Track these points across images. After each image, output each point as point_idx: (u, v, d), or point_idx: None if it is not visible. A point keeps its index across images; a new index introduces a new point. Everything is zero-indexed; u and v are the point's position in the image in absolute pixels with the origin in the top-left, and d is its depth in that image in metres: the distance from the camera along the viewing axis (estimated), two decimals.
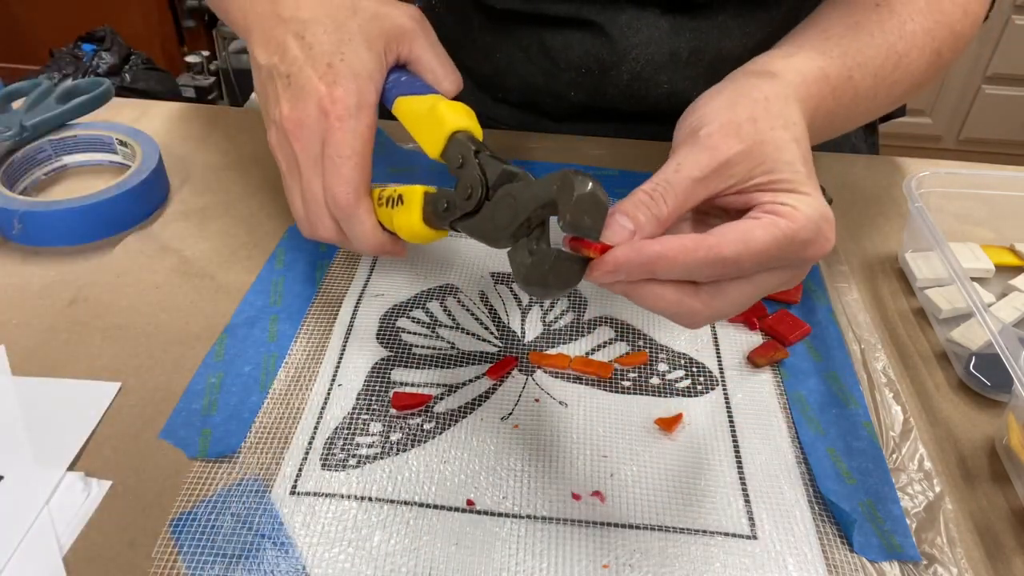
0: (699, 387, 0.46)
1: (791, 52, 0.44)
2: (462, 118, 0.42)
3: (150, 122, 0.68)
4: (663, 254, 0.33)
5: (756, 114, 0.38)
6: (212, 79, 2.25)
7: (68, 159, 0.61)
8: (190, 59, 2.24)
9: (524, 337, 0.48)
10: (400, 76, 0.47)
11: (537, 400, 0.44)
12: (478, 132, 0.42)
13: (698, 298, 0.35)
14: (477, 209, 0.39)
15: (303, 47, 0.44)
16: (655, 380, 0.46)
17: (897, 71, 0.47)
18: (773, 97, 0.39)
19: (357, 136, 0.42)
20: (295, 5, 0.46)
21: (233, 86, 2.23)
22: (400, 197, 0.42)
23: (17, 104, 0.61)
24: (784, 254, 0.35)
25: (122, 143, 0.61)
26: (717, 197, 0.38)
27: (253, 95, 1.49)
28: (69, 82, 0.63)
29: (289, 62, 0.44)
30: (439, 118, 0.42)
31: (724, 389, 0.46)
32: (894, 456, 0.42)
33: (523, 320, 0.50)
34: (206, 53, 2.26)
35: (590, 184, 0.33)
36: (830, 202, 0.60)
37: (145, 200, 0.57)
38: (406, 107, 0.45)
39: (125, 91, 2.00)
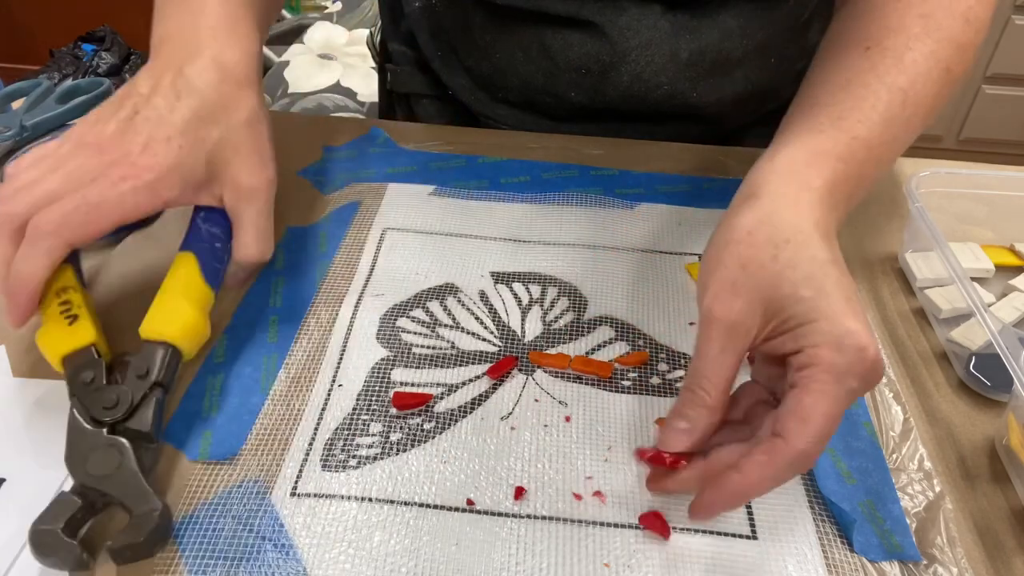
0: None
1: (775, 151, 0.42)
2: (178, 328, 0.43)
3: None
4: (744, 490, 0.35)
5: (743, 257, 0.37)
6: None
7: None
8: None
9: (524, 337, 0.48)
10: (211, 215, 0.48)
11: (537, 400, 0.44)
12: (187, 351, 0.43)
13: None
14: (102, 422, 0.39)
15: (170, 106, 0.44)
16: (655, 380, 0.46)
17: (908, 107, 0.45)
18: (756, 224, 0.38)
19: (117, 208, 0.42)
20: (200, 65, 0.46)
21: None
22: (77, 316, 0.43)
23: (17, 104, 0.61)
24: (842, 394, 0.34)
25: None
26: (757, 350, 0.38)
27: None
28: (69, 82, 0.63)
29: (151, 105, 0.44)
30: (167, 312, 0.43)
31: None
32: (894, 456, 0.42)
33: (523, 320, 0.50)
34: None
35: (143, 536, 0.36)
36: None
37: None
38: (173, 266, 0.46)
39: None
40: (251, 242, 0.47)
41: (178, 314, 0.43)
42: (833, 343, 0.35)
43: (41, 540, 0.35)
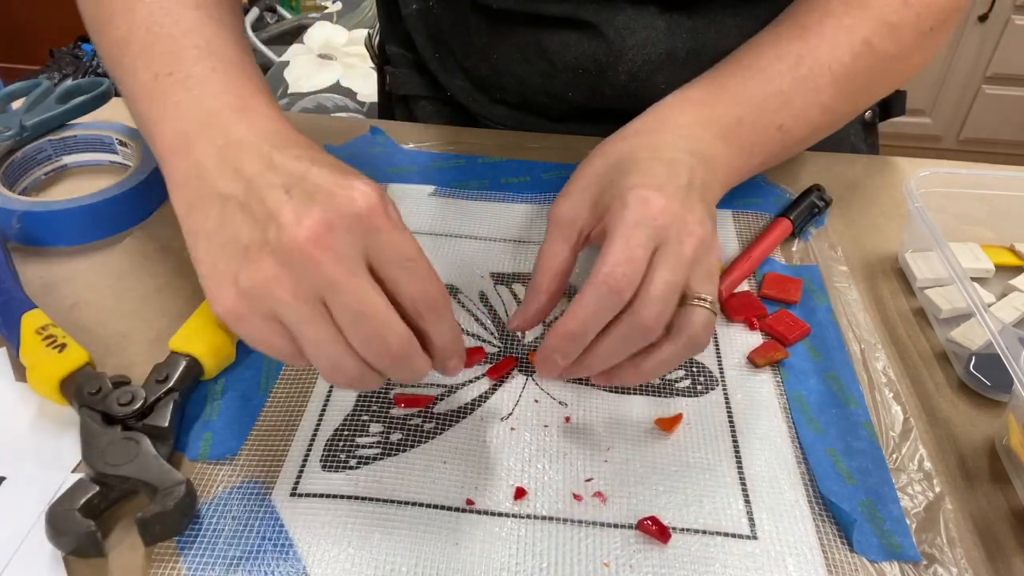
0: (699, 387, 0.46)
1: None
2: (204, 346, 0.44)
3: None
4: (569, 327, 0.37)
5: (590, 166, 0.45)
6: None
7: (68, 159, 0.61)
8: None
9: (524, 337, 0.48)
10: None
11: (537, 401, 0.44)
12: (209, 368, 0.44)
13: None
14: (116, 420, 0.40)
15: (293, 157, 0.36)
16: (655, 380, 0.46)
17: (802, 67, 0.49)
18: (611, 143, 0.46)
19: (414, 240, 0.35)
20: (249, 125, 0.38)
21: None
22: (65, 345, 0.43)
23: (17, 104, 0.61)
24: (636, 239, 0.38)
25: (122, 143, 0.61)
26: (593, 241, 0.43)
27: None
28: (69, 82, 0.63)
29: (283, 172, 0.35)
30: (198, 330, 0.44)
31: (724, 389, 0.46)
32: (894, 456, 0.42)
33: None
34: None
35: (172, 504, 0.36)
36: (830, 203, 0.61)
37: (145, 200, 0.57)
38: None
39: None
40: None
41: (207, 334, 0.44)
42: (619, 199, 0.39)
43: (56, 519, 0.36)
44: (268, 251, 0.33)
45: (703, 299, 0.39)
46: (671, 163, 0.42)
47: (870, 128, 0.75)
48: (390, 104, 0.79)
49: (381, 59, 0.79)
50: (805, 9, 0.52)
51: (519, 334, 0.48)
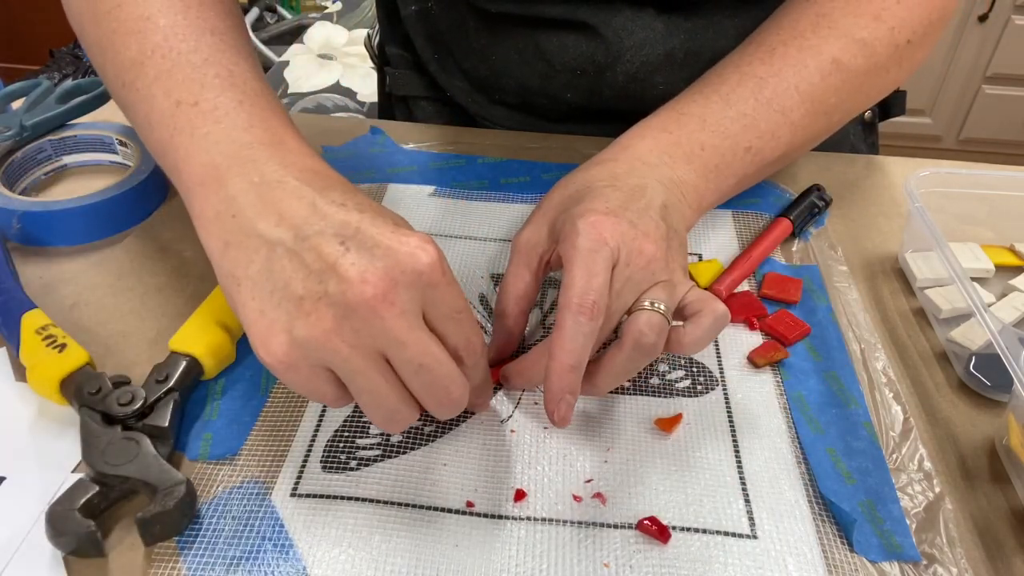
0: (699, 387, 0.46)
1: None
2: (205, 347, 0.44)
3: None
4: (557, 358, 0.38)
5: (550, 197, 0.46)
6: None
7: (68, 159, 0.61)
8: None
9: (524, 340, 0.48)
10: None
11: (537, 403, 0.44)
12: (209, 368, 0.44)
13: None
14: (116, 420, 0.40)
15: (339, 204, 0.35)
16: (655, 380, 0.46)
17: (765, 90, 0.49)
18: (573, 176, 0.46)
19: (462, 293, 0.36)
20: (283, 162, 0.37)
21: None
22: (65, 345, 0.43)
23: (17, 104, 0.61)
24: (593, 259, 0.39)
25: (122, 143, 0.61)
26: (553, 267, 0.45)
27: None
28: (69, 82, 0.63)
29: (332, 221, 0.34)
30: (198, 330, 0.44)
31: (724, 389, 0.46)
32: (894, 456, 0.42)
33: None
34: None
35: (172, 504, 0.36)
36: (830, 202, 0.61)
37: (145, 200, 0.57)
38: (212, 294, 0.47)
39: None
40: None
41: (208, 334, 0.44)
42: (571, 224, 0.40)
43: (56, 519, 0.36)
44: (326, 303, 0.33)
45: (650, 305, 0.39)
46: (631, 189, 0.43)
47: (870, 128, 0.75)
48: (390, 104, 0.79)
49: (381, 60, 0.79)
50: (774, 30, 0.52)
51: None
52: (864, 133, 0.75)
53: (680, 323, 0.41)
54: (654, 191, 0.43)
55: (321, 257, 0.33)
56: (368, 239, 0.34)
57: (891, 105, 0.74)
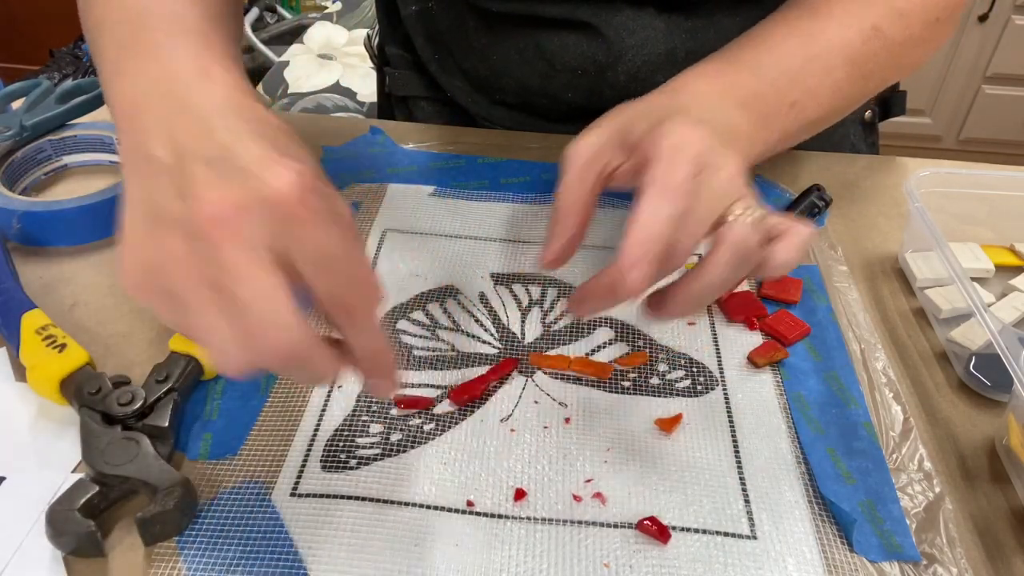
0: (699, 387, 0.46)
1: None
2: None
3: None
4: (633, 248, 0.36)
5: (615, 111, 0.43)
6: None
7: (68, 159, 0.61)
8: None
9: (524, 338, 0.48)
10: None
11: (537, 402, 0.44)
12: (209, 367, 0.44)
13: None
14: (116, 420, 0.40)
15: (231, 130, 0.33)
16: (655, 380, 0.46)
17: (813, 46, 0.49)
18: (636, 101, 0.44)
19: (334, 230, 0.32)
20: (204, 94, 0.35)
21: None
22: (65, 345, 0.43)
23: (17, 104, 0.61)
24: (672, 179, 0.37)
25: None
26: (619, 181, 0.42)
27: None
28: (69, 82, 0.63)
29: (216, 143, 0.32)
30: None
31: (724, 389, 0.46)
32: (894, 456, 0.42)
33: (523, 321, 0.50)
34: None
35: (172, 504, 0.36)
36: (830, 202, 0.61)
37: None
38: None
39: None
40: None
41: None
42: (657, 129, 0.39)
43: (56, 519, 0.36)
44: (178, 225, 0.30)
45: (738, 214, 0.38)
46: (699, 117, 0.41)
47: (870, 128, 0.75)
48: (389, 104, 0.79)
49: (380, 60, 0.79)
50: None
51: (519, 335, 0.48)
52: (864, 133, 0.75)
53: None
54: (715, 129, 0.41)
55: (185, 177, 0.31)
56: (236, 160, 0.31)
57: (891, 105, 0.74)
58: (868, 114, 0.74)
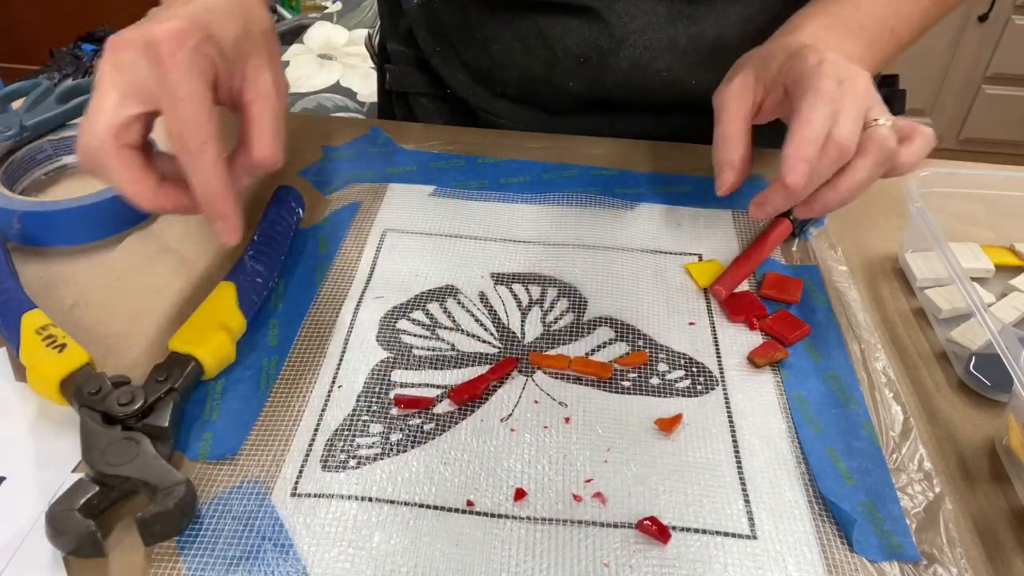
0: (699, 387, 0.46)
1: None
2: (205, 347, 0.44)
3: None
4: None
5: (750, 54, 0.53)
6: None
7: (68, 159, 0.61)
8: None
9: (524, 338, 0.48)
10: (260, 252, 0.50)
11: (537, 401, 0.44)
12: (209, 368, 0.44)
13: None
14: (116, 420, 0.40)
15: (177, 8, 0.42)
16: (655, 380, 0.46)
17: None
18: (768, 42, 0.54)
19: (194, 83, 0.39)
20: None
21: None
22: (65, 345, 0.43)
23: (17, 104, 0.61)
24: (824, 92, 0.45)
25: None
26: (767, 112, 0.52)
27: None
28: (69, 82, 0.63)
29: (165, 16, 0.41)
30: (199, 331, 0.44)
31: (724, 389, 0.46)
32: (894, 456, 0.42)
33: (523, 321, 0.50)
34: None
35: (172, 504, 0.36)
36: None
37: None
38: (213, 292, 0.47)
39: None
40: (270, 142, 0.43)
41: (208, 334, 0.44)
42: (796, 57, 0.48)
43: (56, 519, 0.36)
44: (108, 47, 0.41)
45: (881, 122, 0.46)
46: (824, 49, 0.49)
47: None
48: (390, 103, 0.79)
49: (381, 58, 0.79)
50: None
51: (519, 335, 0.49)
52: None
53: None
54: (840, 53, 0.49)
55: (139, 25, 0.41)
56: (160, 18, 0.40)
57: (891, 103, 0.74)
58: None
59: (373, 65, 0.84)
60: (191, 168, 0.40)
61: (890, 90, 0.76)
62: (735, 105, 0.51)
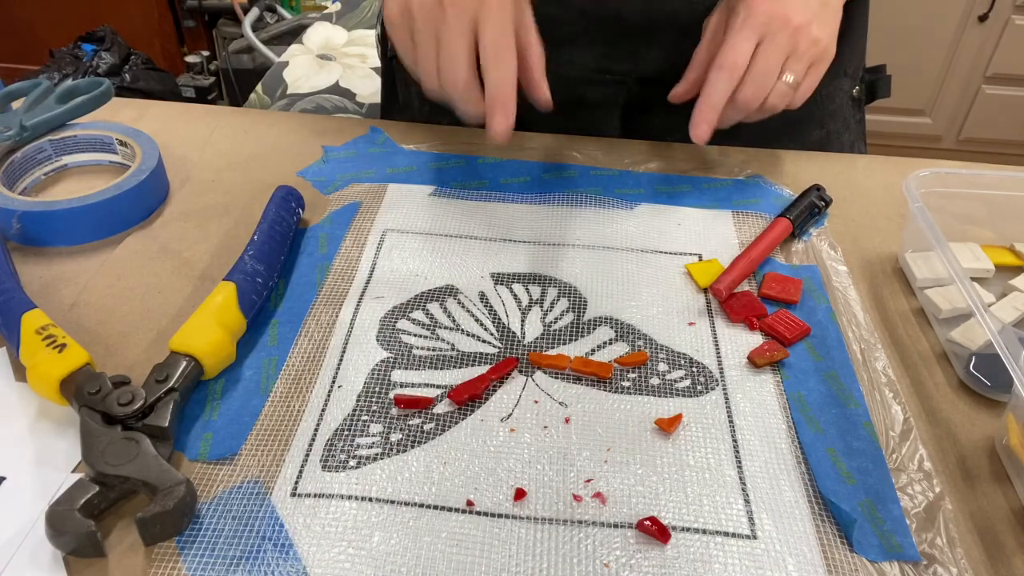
0: (699, 387, 0.46)
1: None
2: (205, 346, 0.44)
3: (150, 122, 0.68)
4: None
5: None
6: (212, 79, 2.25)
7: (68, 159, 0.61)
8: (190, 59, 2.24)
9: (524, 338, 0.48)
10: (260, 252, 0.50)
11: (537, 401, 0.44)
12: (209, 368, 0.44)
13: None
14: (116, 420, 0.40)
15: None
16: (655, 380, 0.46)
17: None
18: None
19: (507, 17, 0.50)
20: None
21: (233, 86, 2.23)
22: (65, 345, 0.43)
23: (17, 104, 0.61)
24: (747, 31, 0.53)
25: (122, 143, 0.61)
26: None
27: (253, 95, 1.49)
28: (69, 82, 0.63)
29: None
30: (199, 330, 0.44)
31: (724, 389, 0.46)
32: (894, 456, 0.42)
33: (523, 321, 0.50)
34: (206, 53, 2.26)
35: (172, 504, 0.36)
36: (830, 203, 0.61)
37: (145, 200, 0.57)
38: (213, 292, 0.47)
39: (125, 91, 2.00)
40: (538, 46, 0.54)
41: (208, 333, 0.44)
42: (735, 4, 0.55)
43: (56, 519, 0.36)
44: None
45: (787, 79, 0.54)
46: None
47: (857, 104, 0.77)
48: (394, 92, 0.78)
49: (385, 46, 0.79)
50: None
51: (519, 335, 0.49)
52: (853, 109, 0.76)
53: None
54: None
55: None
56: None
57: (877, 87, 0.76)
58: (856, 91, 0.75)
59: (374, 66, 0.84)
60: (492, 70, 0.50)
61: (876, 76, 0.76)
62: (705, 43, 0.58)
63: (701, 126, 0.55)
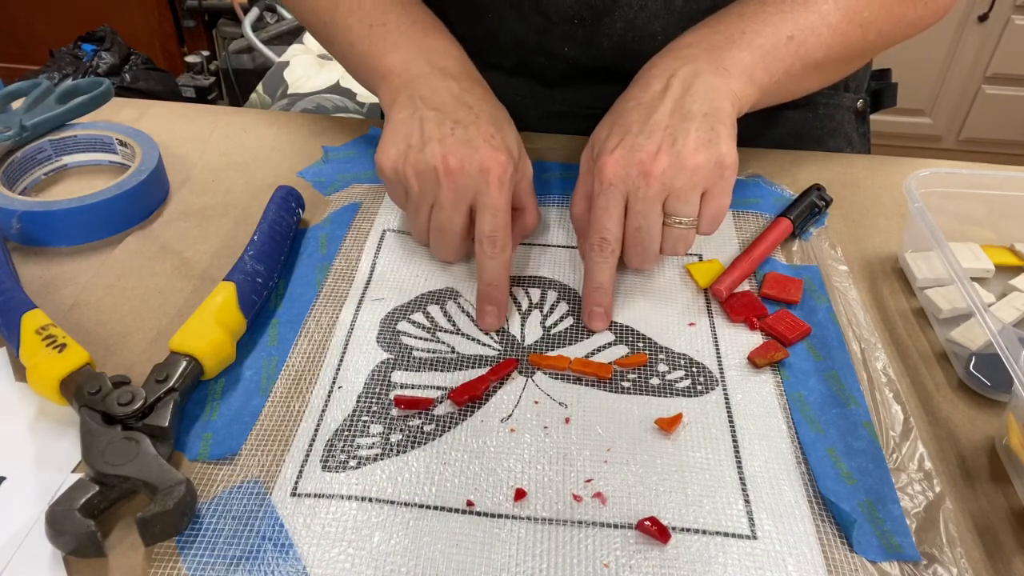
0: (699, 387, 0.46)
1: None
2: (205, 345, 0.44)
3: (150, 122, 0.68)
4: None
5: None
6: (212, 79, 2.25)
7: (68, 159, 0.61)
8: (190, 59, 2.24)
9: (523, 341, 0.48)
10: (260, 252, 0.51)
11: (537, 402, 0.44)
12: (209, 368, 0.44)
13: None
14: (116, 420, 0.40)
15: (467, 106, 0.51)
16: (655, 380, 0.46)
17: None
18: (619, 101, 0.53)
19: (507, 201, 0.49)
20: (447, 60, 0.55)
21: (233, 86, 2.24)
22: (65, 345, 0.43)
23: (17, 104, 0.61)
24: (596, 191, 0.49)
25: (122, 143, 0.61)
26: None
27: (253, 95, 1.49)
28: (69, 82, 0.63)
29: (459, 113, 0.50)
30: (198, 330, 0.44)
31: (724, 389, 0.46)
32: (894, 456, 0.42)
33: (523, 324, 0.50)
34: (206, 53, 2.26)
35: (172, 504, 0.36)
36: (830, 202, 0.61)
37: (145, 200, 0.57)
38: (213, 292, 0.47)
39: (125, 91, 2.00)
40: (536, 211, 0.54)
41: (208, 333, 0.44)
42: (593, 170, 0.50)
43: (56, 519, 0.36)
44: (418, 158, 0.49)
45: (679, 221, 0.48)
46: (650, 101, 0.49)
47: (862, 118, 0.76)
48: None
49: None
50: None
51: (518, 338, 0.48)
52: (857, 123, 0.75)
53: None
54: (680, 84, 0.49)
55: (436, 130, 0.49)
56: (470, 134, 0.49)
57: (883, 96, 0.75)
58: (860, 103, 0.74)
59: None
60: (488, 262, 0.48)
61: (882, 83, 0.76)
62: (577, 197, 0.53)
63: (596, 318, 0.49)
